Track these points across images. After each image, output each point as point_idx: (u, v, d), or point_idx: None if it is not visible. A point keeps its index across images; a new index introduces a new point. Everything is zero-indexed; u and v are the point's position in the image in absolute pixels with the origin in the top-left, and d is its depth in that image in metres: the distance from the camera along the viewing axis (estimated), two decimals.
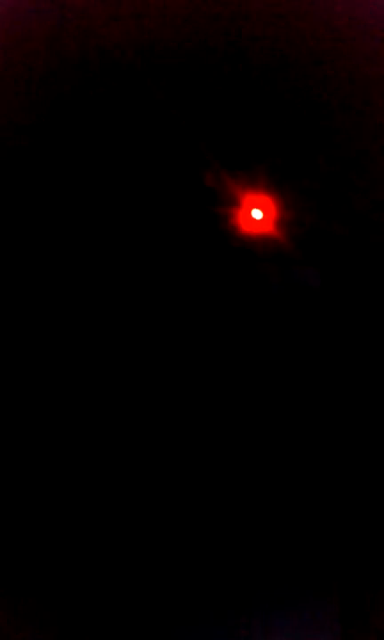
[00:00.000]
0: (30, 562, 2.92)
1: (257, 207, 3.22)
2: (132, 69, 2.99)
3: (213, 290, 3.30)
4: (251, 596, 2.97)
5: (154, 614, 2.91)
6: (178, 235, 3.30)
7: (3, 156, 3.15)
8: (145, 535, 2.99)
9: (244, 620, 2.94)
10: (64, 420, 3.09)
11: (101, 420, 3.11)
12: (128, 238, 3.30)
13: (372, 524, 3.05)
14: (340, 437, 3.11)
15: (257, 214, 3.22)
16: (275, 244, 3.24)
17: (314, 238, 3.24)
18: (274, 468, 3.12)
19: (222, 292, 3.30)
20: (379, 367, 3.17)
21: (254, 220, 3.23)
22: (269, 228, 3.23)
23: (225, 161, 3.18)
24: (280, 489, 3.10)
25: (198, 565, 2.98)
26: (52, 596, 2.89)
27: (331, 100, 3.10)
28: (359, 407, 3.14)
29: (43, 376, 3.14)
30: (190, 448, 3.11)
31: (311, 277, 3.27)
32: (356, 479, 3.10)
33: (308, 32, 2.99)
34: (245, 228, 3.24)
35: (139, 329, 3.24)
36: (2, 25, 2.86)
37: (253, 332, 3.26)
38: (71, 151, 3.19)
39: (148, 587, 2.94)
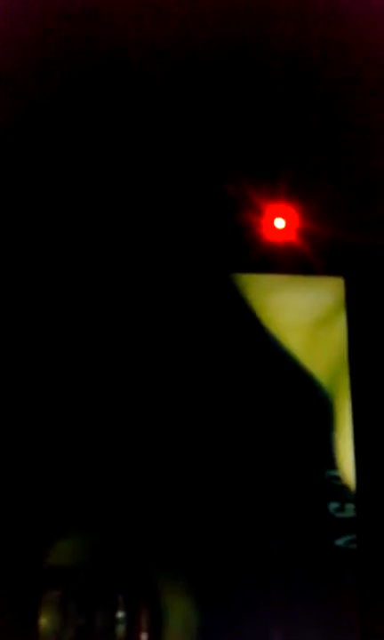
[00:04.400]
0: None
1: (280, 216, 3.23)
2: (149, 71, 2.94)
3: (233, 299, 3.34)
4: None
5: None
6: (199, 243, 3.31)
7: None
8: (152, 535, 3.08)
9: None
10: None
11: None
12: (148, 246, 3.32)
13: None
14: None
15: (279, 223, 3.23)
16: (297, 253, 3.26)
17: (336, 248, 3.26)
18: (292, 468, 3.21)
19: (242, 302, 3.34)
20: None
21: (277, 229, 3.24)
22: (292, 238, 3.24)
23: (248, 170, 3.17)
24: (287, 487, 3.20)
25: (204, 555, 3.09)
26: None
27: (356, 109, 3.06)
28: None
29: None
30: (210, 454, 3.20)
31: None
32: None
33: (340, 39, 2.90)
34: (268, 237, 3.25)
35: (155, 338, 3.28)
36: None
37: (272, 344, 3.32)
38: (86, 157, 3.16)
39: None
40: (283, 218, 3.25)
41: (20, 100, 2.88)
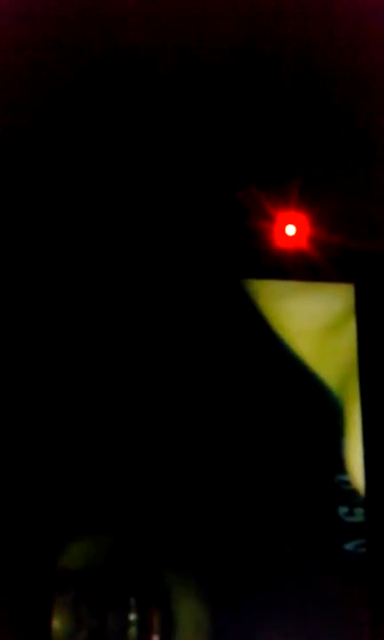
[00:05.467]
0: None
1: (290, 223, 3.25)
2: (159, 76, 2.93)
3: (244, 305, 3.36)
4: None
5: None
6: (210, 249, 3.34)
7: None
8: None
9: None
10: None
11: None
12: (159, 253, 3.34)
13: None
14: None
15: (290, 230, 3.26)
16: (308, 259, 3.28)
17: (346, 255, 3.29)
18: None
19: (253, 308, 3.36)
20: None
21: (287, 235, 3.26)
22: (303, 244, 3.27)
23: (259, 176, 3.19)
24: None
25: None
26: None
27: (369, 116, 3.07)
28: None
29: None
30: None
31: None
32: None
33: (356, 45, 2.89)
34: (279, 243, 3.28)
35: (165, 343, 3.30)
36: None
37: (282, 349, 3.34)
38: (97, 164, 3.17)
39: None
40: (293, 225, 3.27)
41: (23, 101, 2.88)
